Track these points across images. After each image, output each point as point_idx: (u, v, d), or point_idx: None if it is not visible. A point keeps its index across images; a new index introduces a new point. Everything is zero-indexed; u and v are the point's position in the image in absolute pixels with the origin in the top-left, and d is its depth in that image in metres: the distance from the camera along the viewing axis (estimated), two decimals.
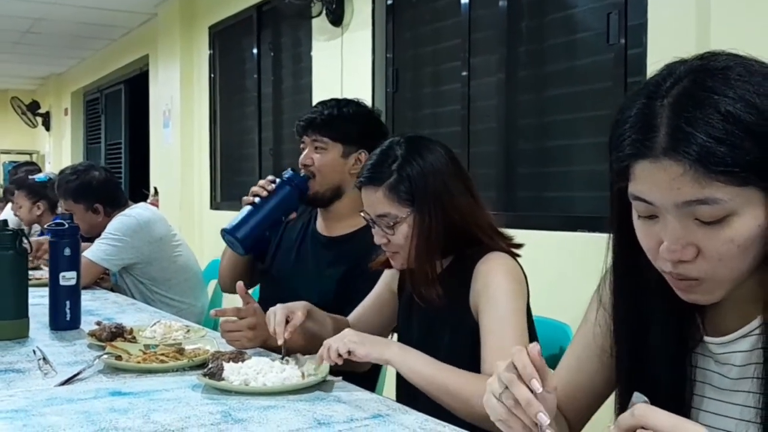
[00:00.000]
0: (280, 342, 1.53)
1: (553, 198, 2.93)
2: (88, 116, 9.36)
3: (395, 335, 1.77)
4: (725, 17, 2.11)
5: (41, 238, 2.76)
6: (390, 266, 1.65)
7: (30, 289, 1.90)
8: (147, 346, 1.65)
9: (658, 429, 0.73)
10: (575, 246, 2.66)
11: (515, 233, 1.60)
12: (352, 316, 1.79)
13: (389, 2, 3.77)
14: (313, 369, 1.46)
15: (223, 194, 5.62)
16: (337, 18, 3.97)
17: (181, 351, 1.61)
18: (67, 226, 1.97)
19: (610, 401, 1.07)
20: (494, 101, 3.12)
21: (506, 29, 3.06)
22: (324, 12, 4.01)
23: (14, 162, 9.00)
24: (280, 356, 1.53)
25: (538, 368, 0.88)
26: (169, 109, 6.02)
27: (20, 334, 1.84)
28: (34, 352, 1.67)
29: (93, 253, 2.69)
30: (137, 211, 2.89)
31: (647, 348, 0.96)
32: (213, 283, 3.29)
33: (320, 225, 2.09)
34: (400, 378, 1.62)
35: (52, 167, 9.23)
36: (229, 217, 2.06)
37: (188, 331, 1.87)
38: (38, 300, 2.01)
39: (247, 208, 2.00)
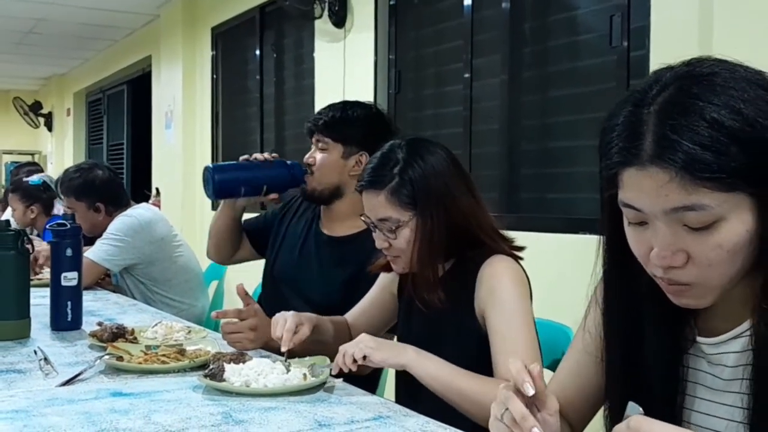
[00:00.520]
0: (283, 349, 1.52)
1: (556, 200, 2.93)
2: (91, 117, 9.36)
3: (395, 337, 1.76)
4: (728, 19, 2.11)
5: (40, 248, 2.75)
6: (390, 270, 1.64)
7: (31, 290, 1.90)
8: (148, 347, 1.64)
9: None
10: (577, 248, 2.65)
11: (518, 235, 1.60)
12: (350, 316, 1.79)
13: (392, 3, 3.77)
14: (314, 370, 1.46)
15: None
16: (339, 19, 3.97)
17: (182, 352, 1.61)
18: (68, 226, 1.97)
19: None
20: (497, 102, 3.11)
21: (509, 30, 3.06)
22: (326, 13, 4.01)
23: (16, 162, 9.02)
24: (282, 358, 1.53)
25: (537, 389, 0.89)
26: (171, 110, 6.02)
27: (21, 334, 1.84)
28: (36, 352, 1.67)
29: (94, 253, 2.70)
30: (139, 211, 2.89)
31: (639, 350, 0.96)
32: (214, 284, 3.30)
33: (323, 224, 2.11)
34: (400, 380, 1.62)
35: (54, 168, 9.23)
36: None
37: (189, 332, 1.86)
38: (39, 300, 2.00)
39: (238, 163, 2.11)
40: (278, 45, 4.92)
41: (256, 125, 5.09)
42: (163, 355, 1.57)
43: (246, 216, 2.33)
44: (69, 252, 1.94)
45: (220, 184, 2.05)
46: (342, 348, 1.43)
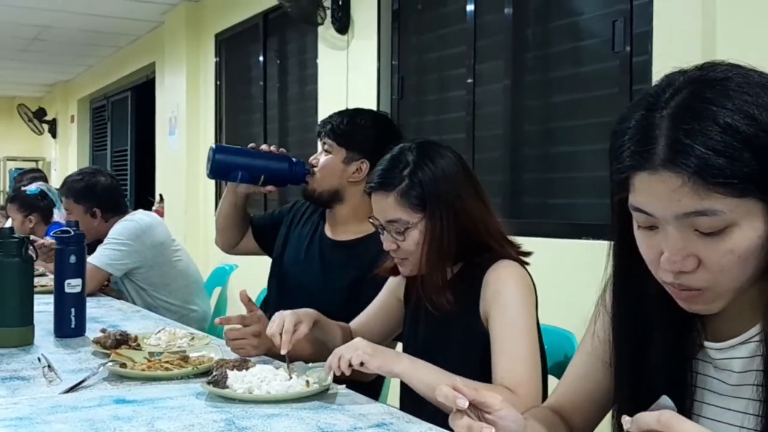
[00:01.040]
0: (283, 352, 1.52)
1: (558, 205, 2.93)
2: (95, 123, 9.39)
3: (399, 344, 1.76)
4: (731, 25, 2.11)
5: (46, 239, 2.79)
6: (397, 273, 1.64)
7: (35, 297, 1.90)
8: (151, 354, 1.64)
9: None
10: (580, 253, 2.65)
11: (521, 240, 1.60)
12: (355, 323, 1.79)
13: (394, 9, 3.78)
14: (317, 377, 1.45)
15: None
16: (342, 25, 3.98)
17: (185, 359, 1.61)
18: (72, 233, 1.97)
19: None
20: (500, 108, 3.12)
21: (512, 36, 3.06)
22: (329, 20, 4.02)
23: (20, 169, 9.05)
24: (286, 364, 1.52)
25: (465, 394, 0.91)
26: (175, 117, 6.04)
27: (25, 341, 1.84)
28: (39, 359, 1.67)
29: (97, 258, 2.70)
30: (138, 216, 2.93)
31: (648, 355, 0.96)
32: (218, 291, 3.30)
33: (327, 228, 2.14)
34: (404, 386, 1.61)
35: (58, 174, 9.26)
36: None
37: (192, 338, 1.86)
38: (43, 307, 2.01)
39: (242, 148, 2.17)
40: (281, 51, 4.93)
41: (260, 131, 5.10)
42: (167, 362, 1.57)
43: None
44: (73, 259, 1.95)
45: (217, 163, 2.09)
46: (337, 351, 1.42)
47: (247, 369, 1.46)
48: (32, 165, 10.06)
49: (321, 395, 1.41)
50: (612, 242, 0.97)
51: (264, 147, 2.16)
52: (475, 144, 3.22)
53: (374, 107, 3.67)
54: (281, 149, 2.16)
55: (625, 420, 0.75)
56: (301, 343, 1.57)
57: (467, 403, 0.89)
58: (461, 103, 3.32)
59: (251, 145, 2.19)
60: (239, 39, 5.42)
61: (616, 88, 2.62)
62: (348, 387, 1.47)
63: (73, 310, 1.95)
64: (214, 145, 2.16)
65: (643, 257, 0.89)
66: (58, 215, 3.71)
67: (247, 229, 2.33)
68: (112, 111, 8.69)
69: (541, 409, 1.16)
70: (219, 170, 2.12)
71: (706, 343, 0.94)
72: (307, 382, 1.43)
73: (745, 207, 0.79)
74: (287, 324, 1.54)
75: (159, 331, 1.88)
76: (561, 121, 2.90)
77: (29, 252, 1.86)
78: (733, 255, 0.81)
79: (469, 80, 3.25)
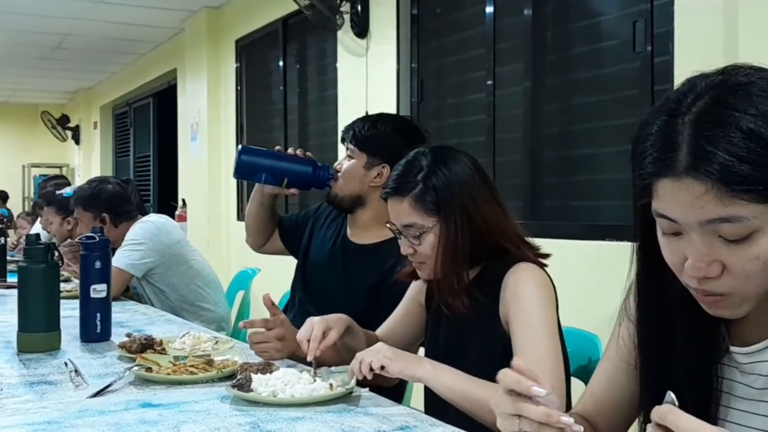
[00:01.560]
0: (309, 358, 1.53)
1: (580, 207, 2.92)
2: (117, 130, 9.49)
3: (421, 349, 1.77)
4: (753, 24, 2.09)
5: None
6: (416, 277, 1.65)
7: (61, 302, 1.92)
8: (176, 358, 1.66)
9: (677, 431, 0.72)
10: (602, 255, 2.64)
11: (541, 242, 1.60)
12: (381, 330, 1.79)
13: (414, 12, 3.78)
14: (340, 381, 1.46)
15: None
16: (361, 30, 4.00)
17: (210, 362, 1.62)
18: (97, 239, 2.00)
19: None
20: (520, 110, 3.11)
21: (531, 38, 3.06)
22: (348, 24, 4.03)
23: (44, 175, 9.16)
24: (310, 369, 1.53)
25: (528, 375, 0.88)
26: (196, 122, 6.08)
27: (52, 346, 1.86)
28: (66, 364, 1.69)
29: (118, 260, 2.74)
30: (153, 217, 3.01)
31: (672, 360, 0.95)
32: (240, 294, 3.32)
33: (349, 232, 2.16)
34: (428, 390, 1.62)
35: (81, 180, 9.35)
36: None
37: (217, 342, 1.88)
38: (69, 312, 2.03)
39: (267, 150, 2.20)
40: (301, 56, 4.96)
41: (280, 135, 5.13)
42: (191, 366, 1.58)
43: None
44: (98, 264, 1.97)
45: (242, 164, 2.12)
46: (359, 355, 1.43)
47: (271, 372, 1.47)
48: (56, 171, 10.19)
49: (345, 398, 1.42)
50: (635, 247, 0.96)
51: (290, 150, 2.18)
52: (496, 147, 3.22)
53: (394, 110, 3.68)
54: (307, 153, 2.18)
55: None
56: (329, 350, 1.58)
57: (544, 392, 0.87)
58: (481, 105, 3.32)
59: (277, 147, 2.22)
60: (259, 44, 5.45)
61: (637, 89, 2.61)
62: (371, 391, 1.48)
63: (98, 314, 1.97)
64: (240, 146, 2.19)
65: (666, 261, 0.88)
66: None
67: (275, 228, 2.35)
68: (135, 117, 8.78)
69: (572, 416, 1.15)
70: (244, 171, 2.14)
71: (732, 348, 0.93)
72: (331, 385, 1.43)
73: None
74: (315, 331, 1.55)
75: (183, 335, 1.90)
76: (581, 123, 2.88)
77: (55, 258, 1.89)
78: (758, 261, 0.81)
79: (489, 82, 3.25)
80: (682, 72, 0.88)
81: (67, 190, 3.83)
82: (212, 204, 5.87)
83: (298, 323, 1.65)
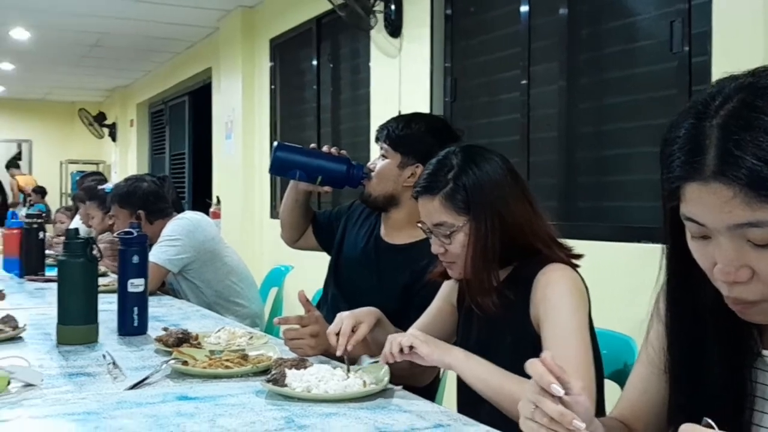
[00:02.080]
0: (339, 353, 1.54)
1: (613, 208, 2.89)
2: (153, 127, 9.62)
3: None
4: None
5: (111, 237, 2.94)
6: (447, 277, 1.65)
7: (99, 296, 1.96)
8: (212, 352, 1.68)
9: None
10: (635, 257, 2.61)
11: (575, 244, 1.59)
12: (412, 329, 1.79)
13: (448, 12, 3.78)
14: (374, 378, 1.47)
15: None
16: (395, 29, 4.00)
17: (245, 357, 1.64)
18: (135, 234, 2.03)
19: None
20: (555, 110, 3.09)
21: (566, 37, 3.04)
22: (382, 23, 4.04)
23: (82, 172, 9.32)
24: (344, 365, 1.54)
25: (556, 374, 0.89)
26: (231, 121, 6.14)
27: (90, 339, 1.89)
28: (104, 356, 1.72)
29: (155, 256, 2.78)
30: (188, 214, 3.07)
31: (703, 364, 0.94)
32: (274, 291, 3.35)
33: (383, 231, 2.16)
34: (460, 389, 1.62)
35: (118, 177, 9.49)
36: None
37: (251, 337, 1.90)
38: (106, 306, 2.06)
39: (303, 147, 2.22)
40: (334, 55, 4.98)
41: (313, 134, 5.16)
42: (227, 360, 1.60)
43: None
44: (135, 259, 2.00)
45: (277, 160, 2.15)
46: (390, 337, 1.45)
47: (305, 368, 1.48)
48: (93, 168, 10.34)
49: (378, 395, 1.42)
50: (665, 249, 0.96)
51: (325, 148, 2.19)
52: (530, 146, 3.20)
53: (427, 110, 3.68)
54: (342, 151, 2.19)
55: None
56: (359, 345, 1.59)
57: (562, 392, 0.88)
58: (515, 105, 3.31)
59: (312, 145, 2.25)
60: (293, 44, 5.49)
61: (674, 89, 2.58)
62: (404, 389, 1.48)
63: (135, 308, 2.01)
64: (276, 142, 2.21)
65: (697, 264, 0.87)
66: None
67: (309, 224, 2.37)
68: (170, 115, 8.88)
69: (611, 420, 1.15)
70: (279, 167, 2.17)
71: (764, 351, 0.92)
72: (364, 382, 1.44)
73: None
74: (345, 326, 1.56)
75: (219, 330, 1.92)
76: (616, 123, 2.86)
77: (93, 252, 1.92)
78: None
79: (524, 82, 3.24)
80: (721, 73, 0.87)
81: (108, 186, 3.91)
82: (246, 201, 5.93)
83: (330, 320, 1.67)
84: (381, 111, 4.05)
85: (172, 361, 1.59)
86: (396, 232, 2.11)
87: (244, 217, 5.91)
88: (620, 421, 1.13)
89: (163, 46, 7.38)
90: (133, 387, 1.47)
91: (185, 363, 1.59)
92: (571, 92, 3.02)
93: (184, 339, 1.79)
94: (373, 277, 2.11)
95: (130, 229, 2.04)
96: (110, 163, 11.06)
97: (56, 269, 1.94)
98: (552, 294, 1.46)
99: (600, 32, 2.95)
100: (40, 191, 10.01)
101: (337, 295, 2.21)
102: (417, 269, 1.95)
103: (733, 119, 0.79)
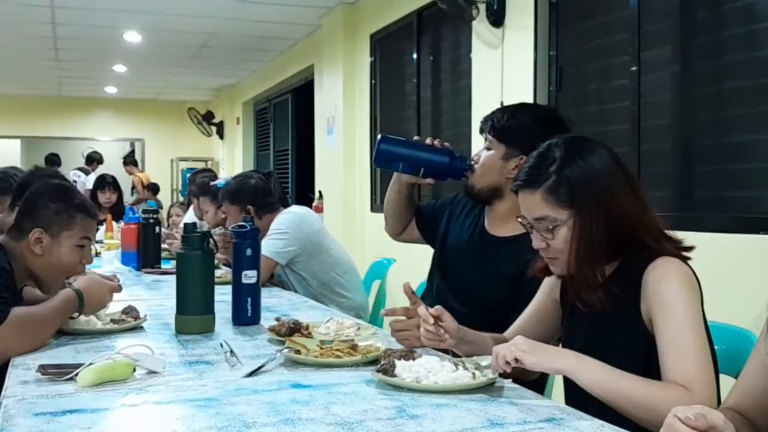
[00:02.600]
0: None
1: (733, 197, 2.76)
2: (258, 125, 9.88)
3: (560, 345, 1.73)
4: None
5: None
6: (549, 273, 1.61)
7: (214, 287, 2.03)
8: (323, 342, 1.71)
9: None
10: (757, 249, 2.48)
11: (691, 235, 1.52)
12: (514, 326, 1.76)
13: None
14: (483, 370, 1.46)
15: (383, 197, 5.73)
16: (497, 19, 3.95)
17: (354, 347, 1.66)
18: (248, 228, 2.09)
19: None
20: (668, 96, 2.97)
21: (679, 20, 2.91)
22: (484, 14, 4.00)
23: (192, 168, 9.68)
24: (449, 356, 1.54)
25: (701, 429, 0.88)
26: (332, 116, 6.24)
27: (207, 328, 1.97)
28: (221, 345, 1.79)
29: (265, 249, 2.87)
30: (295, 209, 3.17)
31: None
32: (377, 284, 3.38)
33: (487, 223, 2.14)
34: (568, 384, 1.59)
35: (226, 173, 9.82)
36: None
37: (359, 328, 1.93)
38: (221, 297, 2.14)
39: (406, 139, 2.22)
40: (435, 48, 4.96)
41: (413, 127, 5.17)
42: (337, 350, 1.63)
43: None
44: (249, 252, 2.07)
45: (381, 152, 2.16)
46: (495, 349, 1.43)
47: (413, 359, 1.49)
48: (202, 165, 10.71)
49: (488, 388, 1.42)
50: None
51: (428, 140, 2.19)
52: (641, 135, 3.09)
53: (530, 100, 3.61)
54: (445, 143, 2.18)
55: None
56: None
57: None
58: (625, 92, 3.20)
59: (416, 137, 2.24)
60: (393, 38, 5.51)
61: None
62: (513, 382, 1.47)
63: (249, 299, 2.07)
64: (380, 135, 2.23)
65: None
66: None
67: (412, 217, 2.38)
68: (274, 112, 9.10)
69: (726, 411, 1.11)
70: (382, 159, 2.18)
71: None
72: (474, 374, 1.43)
73: None
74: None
75: (328, 321, 1.96)
76: (736, 108, 2.72)
77: (210, 245, 2.00)
78: None
79: (634, 68, 3.13)
80: None
81: (220, 181, 4.07)
82: (347, 196, 6.01)
83: None
84: (482, 102, 4.01)
85: (286, 350, 1.64)
86: (501, 224, 2.09)
87: (346, 211, 5.99)
88: (736, 410, 1.09)
89: (268, 44, 7.56)
90: (250, 375, 1.52)
91: (298, 352, 1.63)
92: (685, 77, 2.90)
93: (295, 329, 1.84)
94: (478, 269, 2.09)
95: (244, 223, 2.11)
96: (218, 160, 11.43)
97: (171, 262, 2.02)
98: (665, 289, 1.41)
99: (717, 14, 2.81)
100: (153, 188, 10.44)
101: (442, 285, 2.21)
102: (524, 262, 1.92)
103: None
